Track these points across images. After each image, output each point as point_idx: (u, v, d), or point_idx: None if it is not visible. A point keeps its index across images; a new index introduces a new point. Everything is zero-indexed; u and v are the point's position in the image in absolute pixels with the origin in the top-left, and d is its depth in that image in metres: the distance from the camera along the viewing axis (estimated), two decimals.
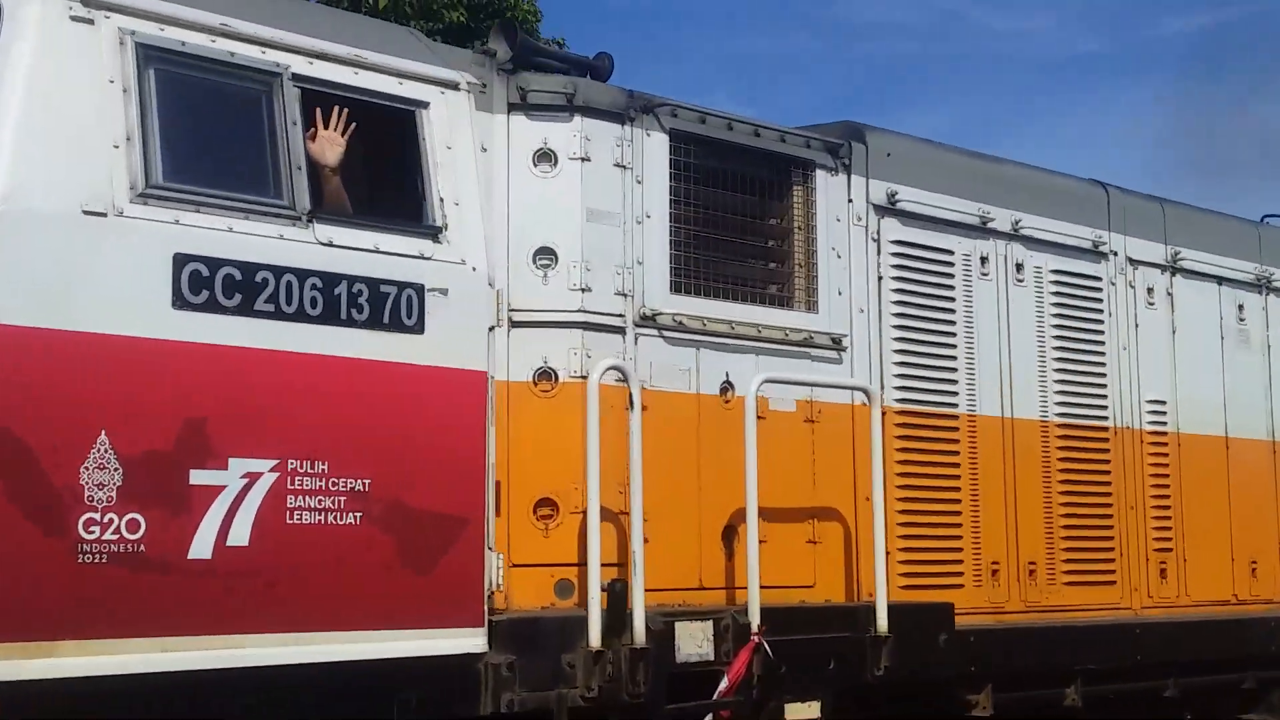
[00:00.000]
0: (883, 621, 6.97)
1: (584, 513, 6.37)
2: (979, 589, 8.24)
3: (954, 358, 8.30)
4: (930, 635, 7.22)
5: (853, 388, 7.46)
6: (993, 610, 8.28)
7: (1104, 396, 9.15)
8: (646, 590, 6.60)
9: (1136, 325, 9.47)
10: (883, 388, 7.89)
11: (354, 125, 5.69)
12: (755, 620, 6.43)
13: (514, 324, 6.58)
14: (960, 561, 8.16)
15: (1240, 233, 10.43)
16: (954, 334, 8.32)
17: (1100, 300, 9.24)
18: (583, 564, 6.26)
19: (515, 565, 6.40)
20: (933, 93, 47.24)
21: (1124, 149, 42.97)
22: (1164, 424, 9.54)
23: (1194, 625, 8.91)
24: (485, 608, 5.63)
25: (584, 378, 6.41)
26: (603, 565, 6.27)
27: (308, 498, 5.22)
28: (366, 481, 5.36)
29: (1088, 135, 41.41)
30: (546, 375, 6.58)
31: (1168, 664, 8.75)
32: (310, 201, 5.49)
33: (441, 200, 5.77)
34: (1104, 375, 9.17)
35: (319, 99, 5.67)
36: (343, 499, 5.29)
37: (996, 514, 8.39)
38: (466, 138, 5.94)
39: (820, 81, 47.17)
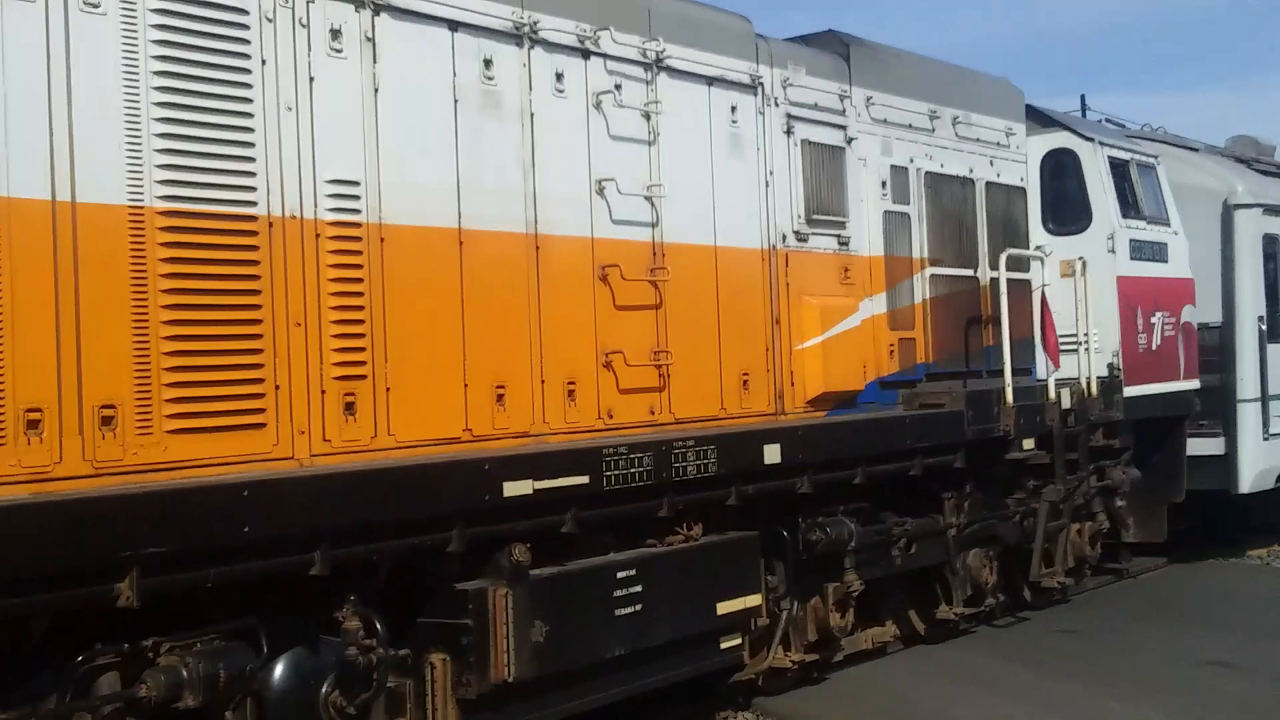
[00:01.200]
0: None
1: None
2: (1, 449, 5.72)
3: None
4: None
5: None
6: (31, 478, 5.79)
7: (250, 175, 6.69)
8: None
9: (312, 79, 7.03)
10: None
11: None
12: None
13: None
14: None
15: None
16: None
17: (246, 43, 6.71)
18: None
19: None
20: None
21: None
22: (355, 212, 7.20)
23: (329, 478, 6.59)
24: None
25: None
26: None
27: None
28: None
29: None
30: None
31: (319, 533, 6.46)
32: None
33: None
34: (250, 145, 6.70)
35: None
36: None
37: (44, 343, 5.85)
38: None
39: None
